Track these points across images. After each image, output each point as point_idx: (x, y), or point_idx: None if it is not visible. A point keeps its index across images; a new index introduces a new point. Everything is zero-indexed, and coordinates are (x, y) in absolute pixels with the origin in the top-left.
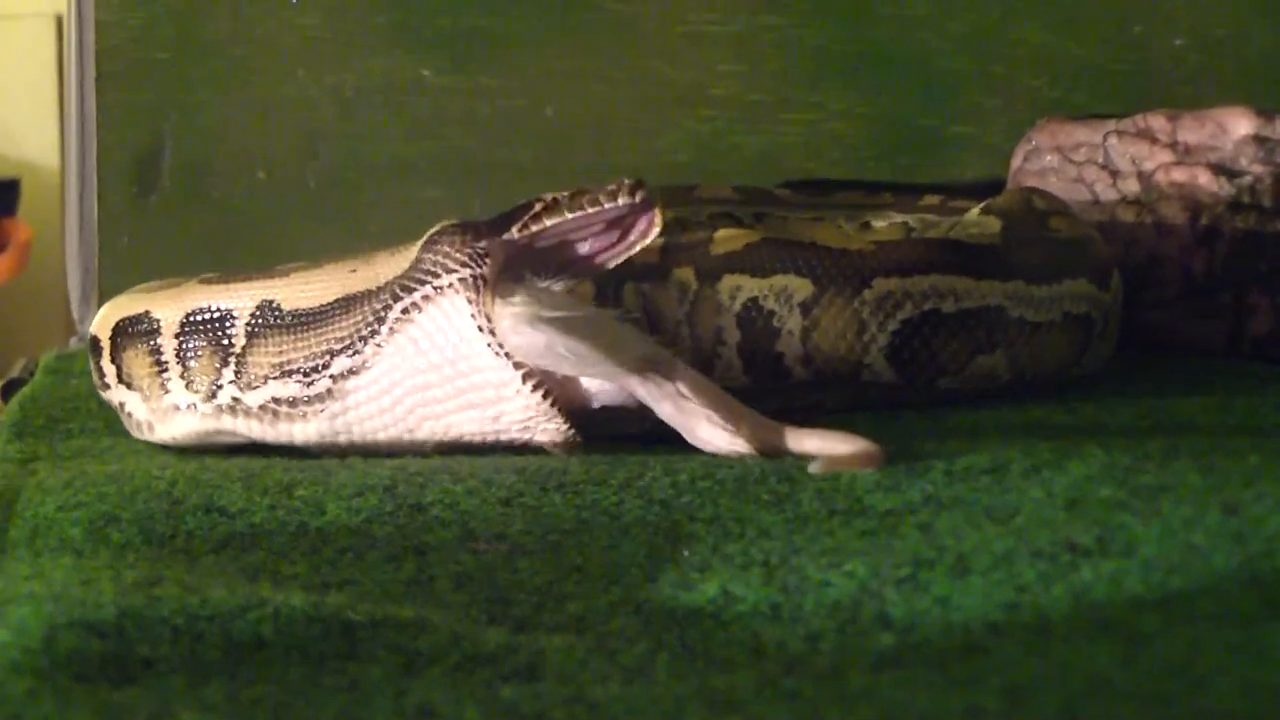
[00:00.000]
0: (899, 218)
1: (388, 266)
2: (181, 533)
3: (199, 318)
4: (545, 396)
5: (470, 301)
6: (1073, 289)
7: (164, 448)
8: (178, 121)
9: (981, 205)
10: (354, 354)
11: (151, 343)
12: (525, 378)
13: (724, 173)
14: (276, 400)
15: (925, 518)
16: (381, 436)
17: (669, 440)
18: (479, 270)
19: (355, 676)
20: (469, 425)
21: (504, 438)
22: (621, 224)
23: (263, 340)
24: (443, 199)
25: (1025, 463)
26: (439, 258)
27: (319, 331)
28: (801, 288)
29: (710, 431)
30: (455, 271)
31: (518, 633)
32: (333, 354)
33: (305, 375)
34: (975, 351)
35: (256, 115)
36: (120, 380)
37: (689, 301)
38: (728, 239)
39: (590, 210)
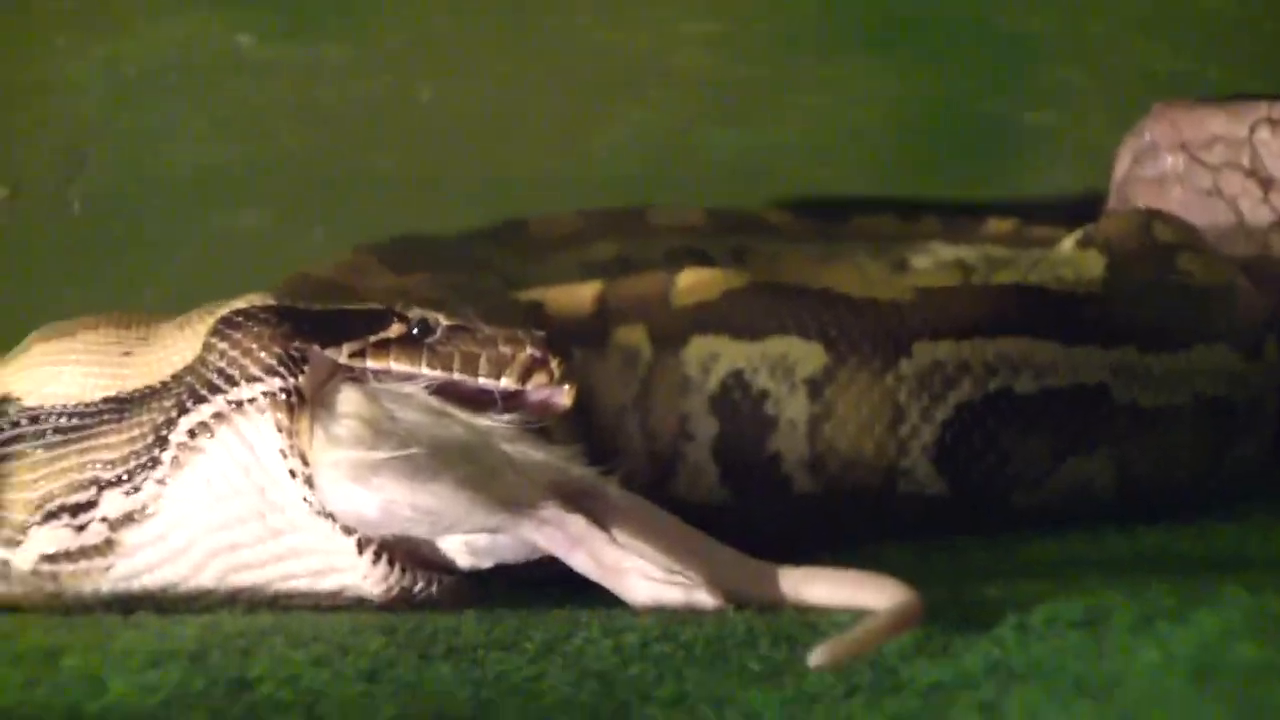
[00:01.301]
0: (950, 253)
1: (173, 349)
2: None
3: None
4: (394, 564)
5: (280, 429)
6: (1209, 360)
7: None
8: None
9: (1077, 235)
10: (130, 490)
11: None
12: (362, 545)
13: (689, 185)
14: (49, 558)
15: (988, 694)
16: (183, 590)
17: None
18: (291, 381)
19: None
20: (299, 588)
21: (350, 599)
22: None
23: (7, 463)
24: (267, 230)
25: (1134, 612)
26: (237, 355)
27: (80, 446)
28: (809, 357)
29: (647, 588)
30: (259, 381)
31: None
32: (101, 485)
33: (73, 515)
34: (1065, 452)
35: None
36: None
37: (638, 379)
38: (697, 285)
39: (460, 378)
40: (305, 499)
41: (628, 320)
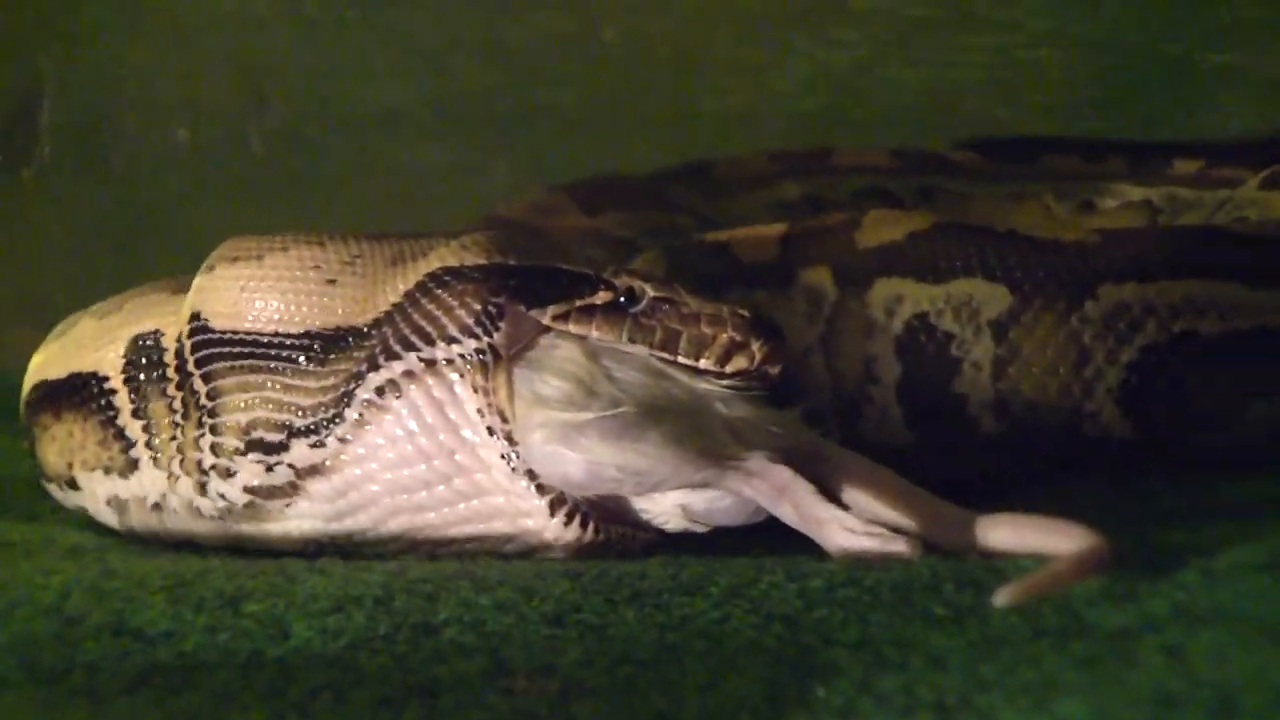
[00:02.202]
0: (1136, 193)
1: (384, 287)
2: (80, 665)
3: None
4: (586, 525)
5: (476, 389)
6: None
7: (49, 538)
8: (61, 58)
9: (1264, 174)
10: (316, 443)
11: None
12: (554, 506)
13: (872, 126)
14: (250, 491)
15: (1173, 638)
16: (366, 538)
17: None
18: (485, 340)
19: None
20: (484, 546)
21: (533, 551)
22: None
23: (217, 381)
24: (449, 166)
25: None
26: (439, 313)
27: (278, 381)
28: (994, 298)
29: (845, 537)
30: (455, 341)
31: None
32: (293, 431)
33: (266, 453)
34: (1250, 395)
35: (176, 46)
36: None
37: (823, 319)
38: (881, 225)
39: (665, 355)
40: (503, 455)
41: (812, 262)
